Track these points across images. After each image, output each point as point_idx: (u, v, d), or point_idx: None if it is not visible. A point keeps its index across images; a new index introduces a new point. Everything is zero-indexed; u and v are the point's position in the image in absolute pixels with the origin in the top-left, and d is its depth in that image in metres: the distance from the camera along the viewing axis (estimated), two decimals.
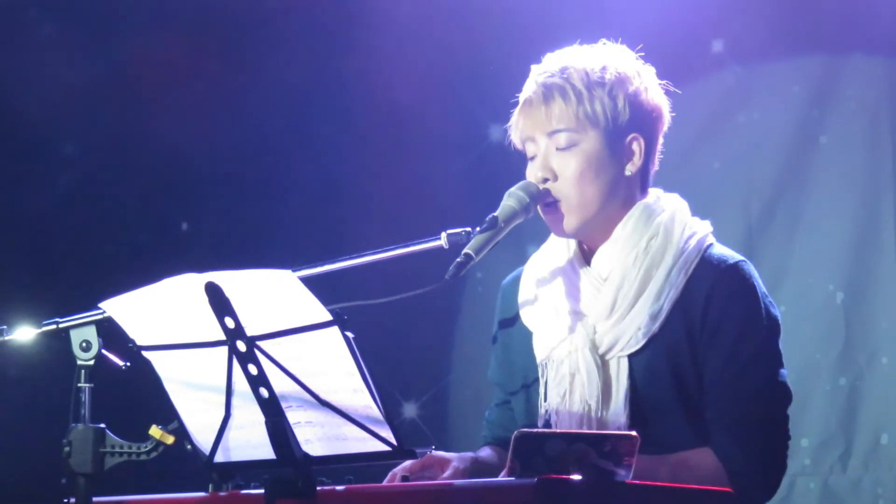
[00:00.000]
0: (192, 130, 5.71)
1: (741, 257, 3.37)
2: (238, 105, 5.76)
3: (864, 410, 5.26)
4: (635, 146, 3.38)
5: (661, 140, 3.45)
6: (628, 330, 3.30)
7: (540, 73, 3.40)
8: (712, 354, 3.28)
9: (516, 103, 3.46)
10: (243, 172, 5.81)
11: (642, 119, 3.39)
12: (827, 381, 5.29)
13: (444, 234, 3.23)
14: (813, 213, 5.36)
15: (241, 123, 5.78)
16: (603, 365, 3.31)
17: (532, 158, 3.40)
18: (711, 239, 3.40)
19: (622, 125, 3.36)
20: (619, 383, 3.29)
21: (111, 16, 5.72)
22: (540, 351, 3.40)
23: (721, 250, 3.38)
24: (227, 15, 5.79)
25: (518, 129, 3.42)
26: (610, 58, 3.40)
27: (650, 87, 3.41)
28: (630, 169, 3.39)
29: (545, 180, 3.35)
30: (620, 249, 3.36)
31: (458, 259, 3.16)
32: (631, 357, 3.30)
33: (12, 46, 5.66)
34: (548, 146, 3.36)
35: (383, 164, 5.78)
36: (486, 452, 3.46)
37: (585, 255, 3.43)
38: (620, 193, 3.39)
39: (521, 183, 3.35)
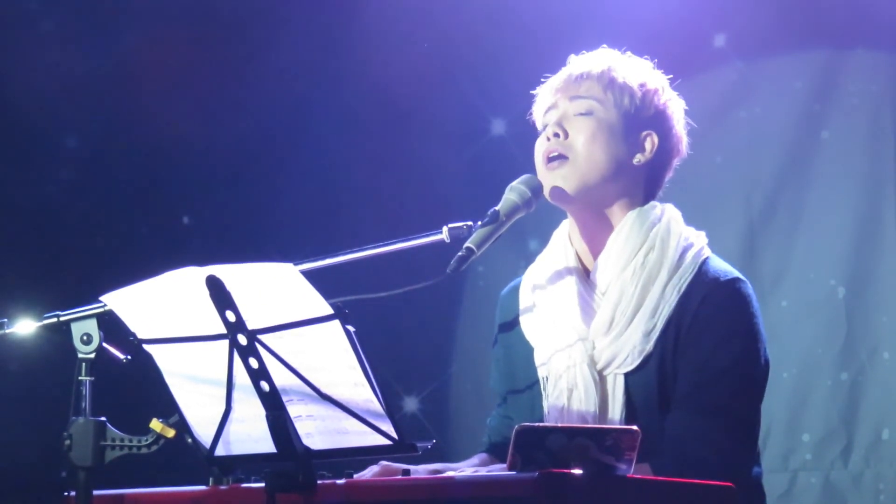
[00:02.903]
0: (193, 124, 5.71)
1: (738, 274, 3.35)
2: (239, 98, 5.75)
3: (866, 405, 5.26)
4: (648, 142, 3.42)
5: (671, 168, 3.49)
6: (625, 347, 3.30)
7: (581, 58, 3.48)
8: (684, 363, 3.27)
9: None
10: (244, 166, 5.80)
11: (665, 131, 3.45)
12: (828, 376, 5.29)
13: (445, 228, 3.23)
14: (814, 209, 5.36)
15: (242, 117, 5.78)
16: (601, 380, 3.31)
17: (546, 126, 3.43)
18: (707, 251, 3.40)
19: (643, 118, 3.42)
20: (616, 400, 3.29)
21: (111, 9, 5.72)
22: (540, 363, 3.40)
23: (718, 265, 3.37)
24: (227, 8, 5.79)
25: (543, 98, 3.47)
26: (655, 75, 3.48)
27: (680, 119, 3.48)
28: (639, 158, 3.41)
29: (556, 135, 3.39)
30: (616, 261, 3.35)
31: (460, 253, 3.17)
32: (627, 375, 3.30)
33: (13, 39, 5.65)
34: (567, 110, 3.41)
35: (384, 157, 5.78)
36: (474, 461, 3.46)
37: (583, 265, 3.43)
38: (623, 179, 3.40)
39: (522, 177, 3.36)
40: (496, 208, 3.27)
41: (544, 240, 3.54)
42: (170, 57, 5.69)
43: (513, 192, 3.31)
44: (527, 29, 5.52)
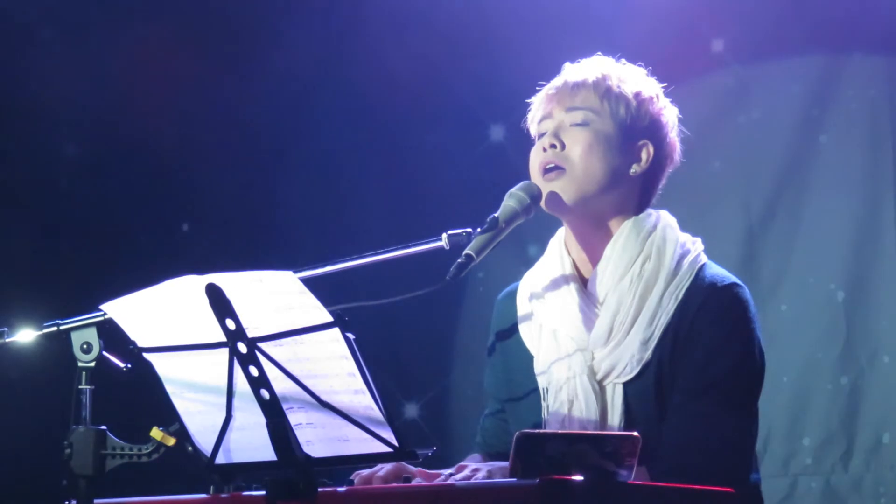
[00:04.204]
0: (192, 131, 5.72)
1: (735, 279, 3.35)
2: (238, 105, 5.76)
3: (866, 409, 5.26)
4: (644, 152, 3.42)
5: (666, 176, 3.49)
6: (624, 357, 3.29)
7: (576, 66, 3.47)
8: (681, 369, 3.26)
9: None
10: (244, 173, 5.81)
11: (660, 140, 3.44)
12: (828, 380, 5.29)
13: (444, 235, 3.23)
14: (813, 213, 5.36)
15: (242, 124, 5.78)
16: (600, 391, 3.31)
17: (542, 136, 3.42)
18: (704, 258, 3.39)
19: (638, 128, 3.41)
20: (615, 409, 3.29)
21: (111, 15, 5.72)
22: (539, 372, 3.40)
23: (715, 271, 3.36)
24: (227, 15, 5.80)
25: (538, 107, 3.46)
26: (650, 84, 3.47)
27: (674, 127, 3.48)
28: (635, 169, 3.40)
29: (552, 146, 3.37)
30: (613, 270, 3.35)
31: (459, 260, 3.16)
32: (626, 384, 3.29)
33: (13, 47, 5.66)
34: (563, 120, 3.40)
35: (384, 164, 5.78)
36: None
37: (580, 273, 3.43)
38: (620, 189, 3.40)
39: (521, 183, 3.36)
40: (495, 215, 3.27)
41: (543, 246, 3.54)
42: (169, 64, 5.70)
43: (512, 199, 3.31)
44: (525, 34, 5.52)
